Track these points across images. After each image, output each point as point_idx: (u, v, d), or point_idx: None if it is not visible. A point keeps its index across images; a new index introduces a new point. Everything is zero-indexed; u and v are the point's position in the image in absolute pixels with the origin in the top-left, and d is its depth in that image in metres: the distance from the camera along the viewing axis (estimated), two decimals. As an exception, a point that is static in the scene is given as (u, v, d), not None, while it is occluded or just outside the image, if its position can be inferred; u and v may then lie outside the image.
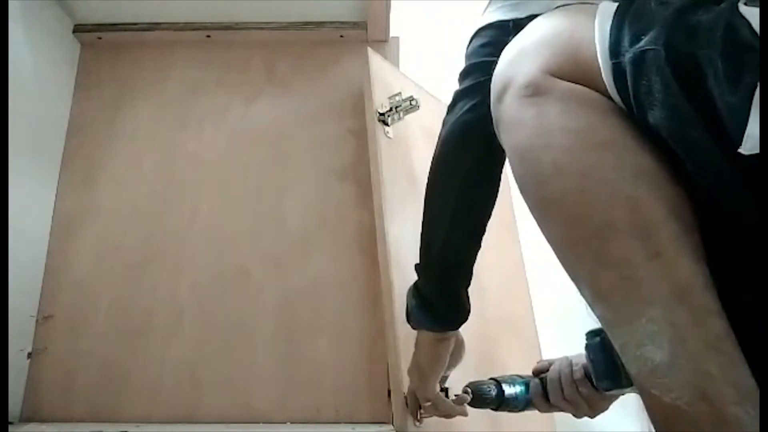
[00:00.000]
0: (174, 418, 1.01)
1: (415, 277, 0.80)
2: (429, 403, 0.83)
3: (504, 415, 0.83)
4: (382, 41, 1.26)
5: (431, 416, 0.87)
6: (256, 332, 1.06)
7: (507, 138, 0.51)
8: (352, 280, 1.09)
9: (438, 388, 0.84)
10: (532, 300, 1.26)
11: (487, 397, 0.77)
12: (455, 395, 0.83)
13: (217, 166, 1.18)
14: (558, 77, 0.48)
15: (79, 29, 1.24)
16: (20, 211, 1.01)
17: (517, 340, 1.22)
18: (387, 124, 1.11)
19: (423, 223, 0.76)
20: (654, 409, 0.41)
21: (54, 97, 1.18)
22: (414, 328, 0.82)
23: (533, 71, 0.48)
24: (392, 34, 1.28)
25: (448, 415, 0.84)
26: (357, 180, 1.15)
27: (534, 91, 0.48)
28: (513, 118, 0.50)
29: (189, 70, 1.26)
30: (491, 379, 0.79)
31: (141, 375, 1.04)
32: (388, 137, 1.11)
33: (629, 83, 0.43)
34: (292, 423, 1.00)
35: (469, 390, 0.80)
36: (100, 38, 1.26)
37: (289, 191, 1.16)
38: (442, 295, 0.77)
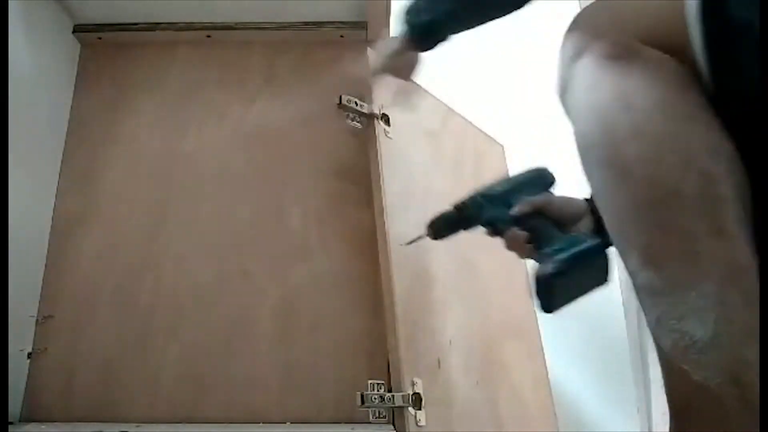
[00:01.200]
0: (174, 418, 1.01)
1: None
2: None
3: (505, 415, 0.83)
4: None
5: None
6: (256, 332, 1.06)
7: (581, 97, 0.51)
8: (352, 280, 1.09)
9: None
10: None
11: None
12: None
13: (217, 166, 1.18)
14: (644, 43, 0.48)
15: (79, 29, 1.24)
16: (20, 211, 1.01)
17: (520, 343, 1.22)
18: (388, 124, 1.11)
19: None
20: (677, 385, 0.41)
21: (54, 97, 1.18)
22: None
23: (619, 34, 0.48)
24: (392, 34, 1.28)
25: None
26: (357, 180, 1.15)
27: (619, 54, 0.48)
28: (592, 77, 0.50)
29: (189, 70, 1.26)
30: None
31: (141, 375, 1.04)
32: (389, 137, 1.11)
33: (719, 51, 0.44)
34: (292, 423, 1.00)
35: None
36: (100, 38, 1.26)
37: (289, 191, 1.16)
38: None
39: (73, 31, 1.24)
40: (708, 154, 0.44)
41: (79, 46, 1.26)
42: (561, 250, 0.65)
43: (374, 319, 1.05)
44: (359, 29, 1.25)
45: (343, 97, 1.12)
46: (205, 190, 1.16)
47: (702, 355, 0.40)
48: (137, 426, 0.97)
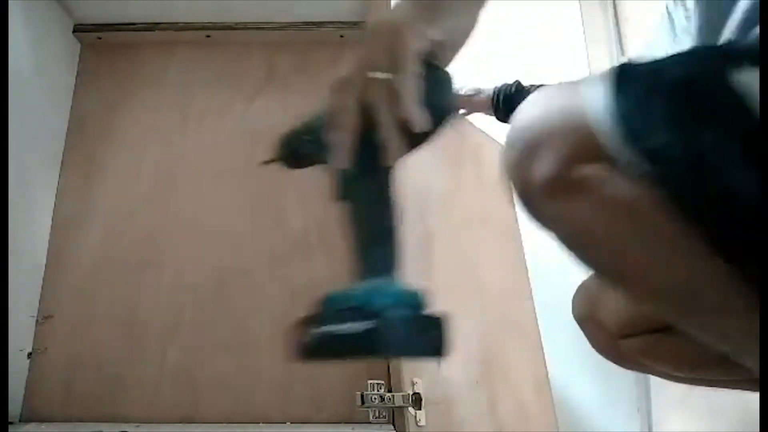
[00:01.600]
0: (173, 418, 1.01)
1: None
2: (402, 71, 0.48)
3: (505, 415, 0.83)
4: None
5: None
6: (256, 332, 1.06)
7: (551, 231, 0.50)
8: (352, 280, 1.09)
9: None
10: (535, 301, 1.26)
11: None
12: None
13: (217, 166, 1.18)
14: (575, 162, 0.45)
15: (79, 29, 1.24)
16: (20, 211, 1.01)
17: (520, 342, 1.22)
18: None
19: None
20: None
21: (54, 97, 1.18)
22: None
23: (552, 165, 0.46)
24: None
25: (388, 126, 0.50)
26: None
27: (560, 185, 0.46)
28: (551, 215, 0.48)
29: (188, 70, 1.26)
30: None
31: (141, 375, 1.04)
32: None
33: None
34: (292, 423, 1.00)
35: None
36: (100, 38, 1.26)
37: (289, 191, 1.16)
38: None
39: (73, 31, 1.24)
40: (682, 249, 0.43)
41: (79, 46, 1.26)
42: (331, 315, 0.49)
43: (374, 319, 1.05)
44: (359, 29, 1.25)
45: None
46: (205, 190, 1.16)
47: None
48: (137, 426, 0.97)
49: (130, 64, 1.26)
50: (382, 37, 0.49)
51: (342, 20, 1.25)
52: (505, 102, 1.17)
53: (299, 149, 0.60)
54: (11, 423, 0.99)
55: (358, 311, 0.47)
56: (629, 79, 0.45)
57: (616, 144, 0.43)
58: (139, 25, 1.26)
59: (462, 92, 1.22)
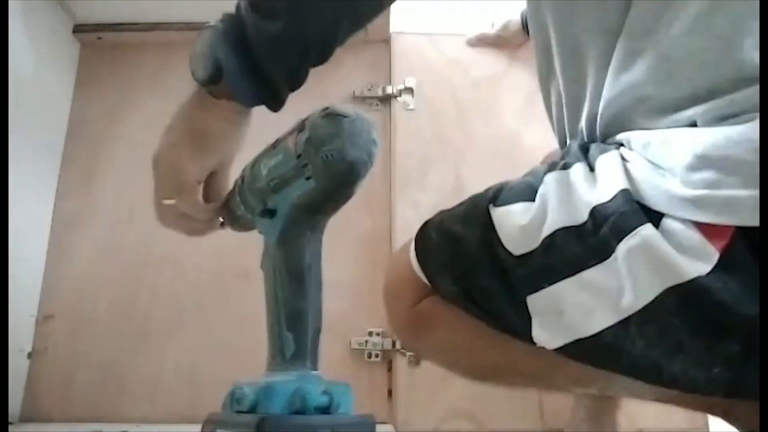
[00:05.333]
0: (174, 418, 1.01)
1: None
2: (182, 195, 0.60)
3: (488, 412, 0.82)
4: (382, 41, 1.26)
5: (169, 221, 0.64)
6: (256, 332, 1.06)
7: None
8: (353, 280, 1.09)
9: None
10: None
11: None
12: None
13: (217, 166, 1.18)
14: (414, 303, 0.61)
15: (79, 29, 1.24)
16: (20, 211, 1.01)
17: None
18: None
19: None
20: None
21: (54, 97, 1.18)
22: (210, 83, 0.60)
23: (401, 313, 0.63)
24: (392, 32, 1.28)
25: (190, 227, 0.65)
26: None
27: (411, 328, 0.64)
28: (419, 350, 0.69)
29: (189, 71, 1.26)
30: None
31: (141, 375, 1.04)
32: (410, 110, 1.13)
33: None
34: (292, 423, 1.00)
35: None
36: (100, 38, 1.26)
37: (289, 191, 1.16)
38: (294, 71, 0.57)
39: (73, 31, 1.24)
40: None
41: (79, 46, 1.26)
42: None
43: (375, 319, 1.05)
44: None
45: (355, 90, 1.18)
46: (205, 190, 1.16)
47: None
48: (137, 426, 0.97)
49: (130, 64, 1.26)
50: (162, 172, 0.60)
51: (342, 20, 1.25)
52: None
53: (236, 211, 0.60)
54: (11, 423, 0.99)
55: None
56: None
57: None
58: (139, 25, 1.26)
59: (493, 31, 1.20)
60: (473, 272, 0.54)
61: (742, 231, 0.42)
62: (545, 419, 0.95)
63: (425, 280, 0.60)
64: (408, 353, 0.93)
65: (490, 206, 0.54)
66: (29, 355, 1.05)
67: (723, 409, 0.57)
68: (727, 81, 0.46)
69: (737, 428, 0.57)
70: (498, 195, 0.55)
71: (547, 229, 0.49)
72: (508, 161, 1.11)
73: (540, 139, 1.02)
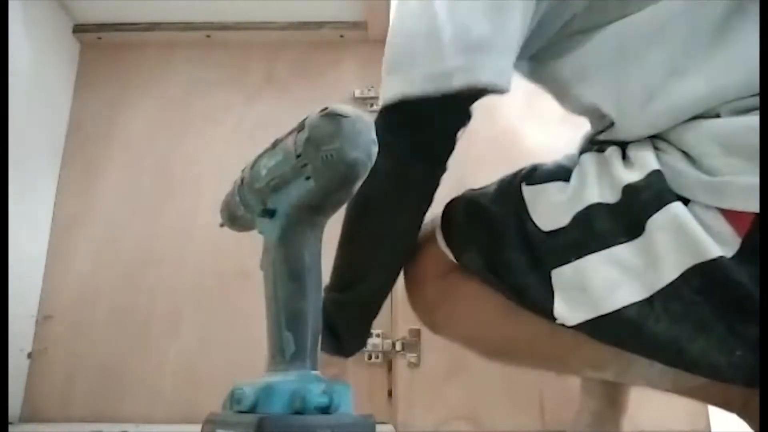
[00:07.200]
0: (174, 418, 1.01)
1: None
2: None
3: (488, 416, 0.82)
4: (383, 41, 1.26)
5: None
6: (255, 332, 1.06)
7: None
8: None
9: None
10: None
11: None
12: None
13: (217, 166, 1.18)
14: (436, 277, 0.62)
15: (79, 29, 1.24)
16: (20, 212, 1.01)
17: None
18: None
19: (350, 252, 0.65)
20: None
21: (54, 97, 1.18)
22: None
23: (423, 285, 0.64)
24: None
25: None
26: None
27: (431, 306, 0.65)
28: (438, 323, 0.66)
29: (189, 71, 1.26)
30: None
31: (141, 375, 1.04)
32: None
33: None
34: (292, 423, 1.00)
35: None
36: (100, 38, 1.26)
37: (289, 191, 1.16)
38: (357, 328, 0.68)
39: (73, 31, 1.24)
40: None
41: (79, 46, 1.26)
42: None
43: (375, 320, 1.05)
44: (359, 29, 1.25)
45: (356, 91, 1.18)
46: (204, 190, 1.16)
47: None
48: (137, 426, 0.97)
49: (130, 64, 1.26)
50: None
51: (342, 21, 1.25)
52: None
53: (236, 212, 0.57)
54: (11, 423, 0.99)
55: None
56: None
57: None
58: (139, 25, 1.26)
59: None
60: (499, 245, 0.55)
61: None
62: (546, 420, 0.94)
63: (449, 254, 0.60)
64: (408, 354, 0.93)
65: (523, 184, 0.56)
66: (29, 356, 1.05)
67: (740, 404, 0.55)
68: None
69: (752, 427, 0.56)
70: (531, 174, 0.57)
71: (581, 205, 0.50)
72: (508, 161, 1.10)
73: (540, 139, 1.02)
